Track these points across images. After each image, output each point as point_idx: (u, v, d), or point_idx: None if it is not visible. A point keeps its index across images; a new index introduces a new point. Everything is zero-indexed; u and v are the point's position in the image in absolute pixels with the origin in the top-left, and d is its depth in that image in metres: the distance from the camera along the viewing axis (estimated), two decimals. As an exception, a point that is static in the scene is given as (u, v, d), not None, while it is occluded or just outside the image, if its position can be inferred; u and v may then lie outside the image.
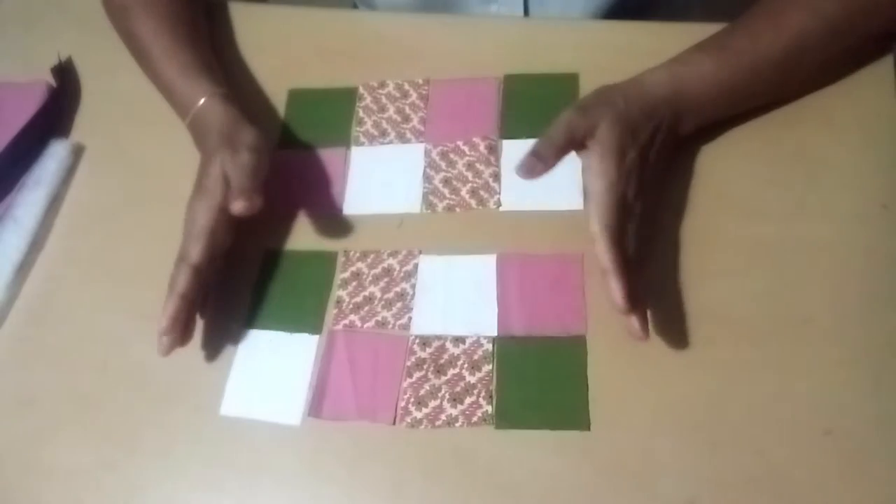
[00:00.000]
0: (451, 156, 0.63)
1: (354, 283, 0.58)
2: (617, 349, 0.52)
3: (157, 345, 0.52)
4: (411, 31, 0.71)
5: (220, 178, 0.55)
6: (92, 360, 0.57)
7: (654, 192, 0.54)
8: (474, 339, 0.54)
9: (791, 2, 0.56)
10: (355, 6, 0.84)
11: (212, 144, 0.57)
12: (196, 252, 0.54)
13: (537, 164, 0.52)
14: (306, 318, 0.57)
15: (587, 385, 0.51)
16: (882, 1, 0.55)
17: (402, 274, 0.58)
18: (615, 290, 0.48)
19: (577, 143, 0.53)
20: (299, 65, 0.70)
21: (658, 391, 0.50)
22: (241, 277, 0.59)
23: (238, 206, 0.53)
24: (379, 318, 0.56)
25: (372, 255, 0.59)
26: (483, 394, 0.52)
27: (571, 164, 0.60)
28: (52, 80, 0.71)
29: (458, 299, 0.56)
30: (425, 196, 0.61)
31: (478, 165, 0.62)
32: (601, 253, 0.48)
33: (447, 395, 0.52)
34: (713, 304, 0.53)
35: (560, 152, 0.52)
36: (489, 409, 0.51)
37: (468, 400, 0.52)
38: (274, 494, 0.51)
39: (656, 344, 0.52)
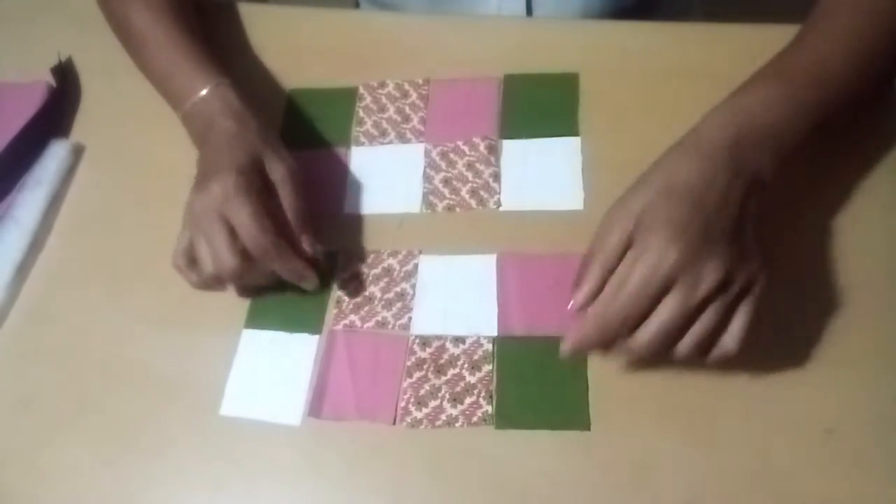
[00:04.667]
0: (451, 156, 0.63)
1: (354, 283, 0.58)
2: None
3: (307, 283, 0.56)
4: (411, 31, 0.71)
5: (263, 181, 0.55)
6: (92, 360, 0.57)
7: (752, 253, 0.46)
8: (474, 339, 0.54)
9: (837, 5, 0.53)
10: (357, 5, 0.84)
11: (236, 157, 0.54)
12: (267, 226, 0.52)
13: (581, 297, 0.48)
14: (306, 318, 0.57)
15: (587, 385, 0.51)
16: None
17: (402, 274, 0.58)
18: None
19: (614, 246, 0.47)
20: (299, 65, 0.70)
21: (658, 391, 0.50)
22: (241, 277, 0.59)
23: (312, 284, 0.56)
24: (379, 318, 0.56)
25: (372, 255, 0.59)
26: (483, 394, 0.52)
27: (571, 164, 0.61)
28: (52, 80, 0.71)
29: (458, 299, 0.56)
30: (425, 196, 0.61)
31: (478, 165, 0.62)
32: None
33: (447, 395, 0.52)
34: (713, 304, 0.53)
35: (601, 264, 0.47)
36: (489, 409, 0.51)
37: (468, 400, 0.52)
38: (274, 494, 0.51)
39: (656, 344, 0.52)
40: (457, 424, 0.51)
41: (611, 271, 0.46)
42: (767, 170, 0.48)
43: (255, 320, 0.58)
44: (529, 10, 0.71)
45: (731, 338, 0.45)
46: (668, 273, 0.44)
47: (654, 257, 0.44)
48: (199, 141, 0.59)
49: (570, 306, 0.47)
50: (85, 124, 0.70)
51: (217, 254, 0.52)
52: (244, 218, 0.52)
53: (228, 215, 0.52)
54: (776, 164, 0.49)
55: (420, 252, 0.59)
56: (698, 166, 0.47)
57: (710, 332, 0.45)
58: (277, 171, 0.56)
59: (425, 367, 0.54)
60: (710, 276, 0.44)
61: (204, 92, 0.59)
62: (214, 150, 0.56)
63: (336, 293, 0.58)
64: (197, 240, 0.54)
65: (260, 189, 0.54)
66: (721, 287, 0.44)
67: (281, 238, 0.53)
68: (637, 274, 0.44)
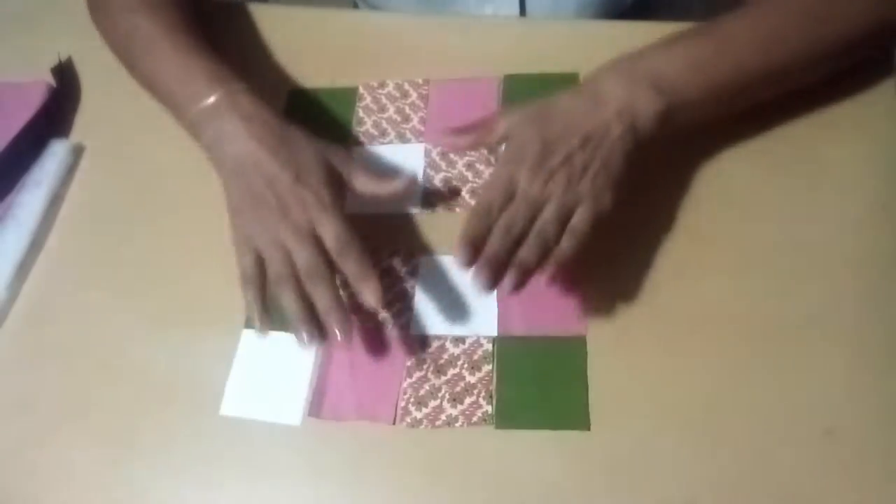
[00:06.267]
0: (451, 156, 0.63)
1: (354, 283, 0.58)
2: (617, 349, 0.52)
3: (343, 330, 0.49)
4: (411, 31, 0.71)
5: (326, 165, 0.54)
6: (92, 360, 0.57)
7: (603, 194, 0.50)
8: (474, 339, 0.54)
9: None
10: (356, 6, 0.84)
11: (283, 132, 0.54)
12: (352, 233, 0.51)
13: (450, 138, 0.56)
14: (306, 318, 0.57)
15: (587, 385, 0.51)
16: None
17: (402, 274, 0.58)
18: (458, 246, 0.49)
19: (496, 136, 0.54)
20: (299, 65, 0.70)
21: (658, 391, 0.50)
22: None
23: (405, 182, 0.54)
24: (379, 317, 0.56)
25: (372, 255, 0.59)
26: (483, 394, 0.52)
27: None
28: (52, 80, 0.71)
29: (458, 299, 0.56)
30: (425, 196, 0.61)
31: (478, 165, 0.62)
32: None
33: (447, 395, 0.52)
34: (713, 304, 0.53)
35: (474, 138, 0.55)
36: (489, 409, 0.51)
37: (468, 400, 0.52)
38: (274, 494, 0.51)
39: (656, 344, 0.52)
40: (457, 424, 0.51)
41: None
42: (659, 120, 0.52)
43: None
44: (523, 11, 0.71)
45: (569, 234, 0.49)
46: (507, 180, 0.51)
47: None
48: (214, 144, 0.56)
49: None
50: (85, 124, 0.70)
51: (295, 250, 0.50)
52: (336, 225, 0.51)
53: (317, 226, 0.51)
54: (656, 105, 0.52)
55: (420, 252, 0.59)
56: (572, 96, 0.53)
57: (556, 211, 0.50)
58: (346, 164, 0.56)
59: (425, 367, 0.54)
60: (530, 148, 0.50)
61: (216, 97, 0.56)
62: (271, 153, 0.53)
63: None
64: (267, 246, 0.51)
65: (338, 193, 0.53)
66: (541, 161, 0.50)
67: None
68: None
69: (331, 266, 0.51)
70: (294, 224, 0.51)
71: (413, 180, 0.54)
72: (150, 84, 0.62)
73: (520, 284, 0.47)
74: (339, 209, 0.52)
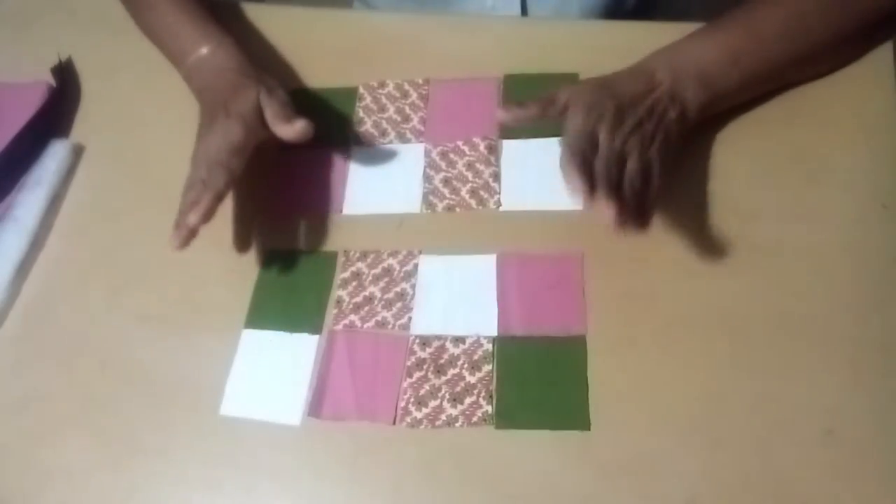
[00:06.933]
0: (451, 156, 0.63)
1: (354, 283, 0.58)
2: (617, 349, 0.52)
3: (175, 237, 0.53)
4: (411, 31, 0.71)
5: (255, 104, 0.58)
6: (92, 360, 0.57)
7: (663, 168, 0.53)
8: (474, 339, 0.54)
9: None
10: (353, 3, 0.84)
11: (238, 80, 0.60)
12: (238, 162, 0.56)
13: (515, 108, 0.56)
14: (306, 318, 0.57)
15: (587, 385, 0.51)
16: None
17: (402, 274, 0.58)
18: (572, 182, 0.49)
19: (559, 105, 0.55)
20: (299, 65, 0.70)
21: (658, 391, 0.50)
22: (241, 277, 0.59)
23: (301, 126, 0.57)
24: (379, 318, 0.56)
25: (372, 255, 0.59)
26: (483, 394, 0.52)
27: (571, 164, 0.61)
28: (52, 80, 0.71)
29: (458, 299, 0.56)
30: (425, 196, 0.61)
31: (478, 165, 0.62)
32: (565, 170, 0.50)
33: (447, 395, 0.52)
34: (713, 304, 0.53)
35: (540, 106, 0.55)
36: (489, 409, 0.52)
37: (468, 400, 0.52)
38: (274, 494, 0.51)
39: (656, 344, 0.52)
40: (457, 424, 0.51)
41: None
42: (696, 105, 0.56)
43: (255, 320, 0.58)
44: (524, 10, 0.71)
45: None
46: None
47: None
48: (201, 92, 0.62)
49: None
50: (85, 124, 0.70)
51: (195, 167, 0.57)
52: (220, 159, 0.56)
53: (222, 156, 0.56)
54: (703, 102, 0.56)
55: (420, 252, 0.59)
56: (627, 75, 0.57)
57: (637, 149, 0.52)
58: (273, 81, 0.60)
59: (425, 367, 0.54)
60: (606, 108, 0.53)
61: (206, 49, 0.63)
62: (218, 97, 0.60)
63: (336, 293, 0.58)
64: (193, 162, 0.58)
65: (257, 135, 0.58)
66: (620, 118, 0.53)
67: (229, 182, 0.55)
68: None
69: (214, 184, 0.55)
70: (205, 149, 0.57)
71: (308, 127, 0.57)
72: (149, 36, 0.68)
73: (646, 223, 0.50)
74: (238, 148, 0.56)
